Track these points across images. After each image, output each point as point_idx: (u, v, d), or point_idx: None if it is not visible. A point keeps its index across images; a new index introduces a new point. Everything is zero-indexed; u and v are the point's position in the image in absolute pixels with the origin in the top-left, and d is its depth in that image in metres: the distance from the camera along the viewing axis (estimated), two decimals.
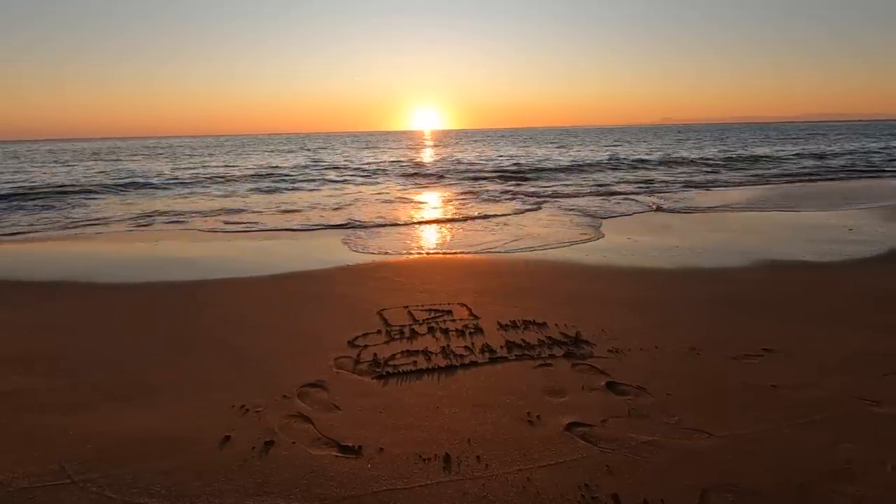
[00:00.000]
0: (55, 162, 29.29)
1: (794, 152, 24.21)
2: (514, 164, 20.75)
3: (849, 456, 2.20)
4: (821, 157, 21.87)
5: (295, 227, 8.44)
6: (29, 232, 8.51)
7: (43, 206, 11.61)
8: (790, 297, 4.32)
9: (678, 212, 9.47)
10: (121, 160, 30.05)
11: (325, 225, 8.64)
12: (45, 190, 14.28)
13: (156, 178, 17.73)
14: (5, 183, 16.47)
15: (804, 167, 17.94)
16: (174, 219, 9.62)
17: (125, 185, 15.67)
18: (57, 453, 2.30)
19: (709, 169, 18.17)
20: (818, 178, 15.08)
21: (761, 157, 22.12)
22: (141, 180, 17.01)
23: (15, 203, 11.90)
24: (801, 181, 14.40)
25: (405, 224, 8.75)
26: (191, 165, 24.58)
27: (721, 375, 2.95)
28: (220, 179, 17.54)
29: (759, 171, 16.97)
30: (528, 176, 16.83)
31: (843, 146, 28.22)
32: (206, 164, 24.83)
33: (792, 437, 2.35)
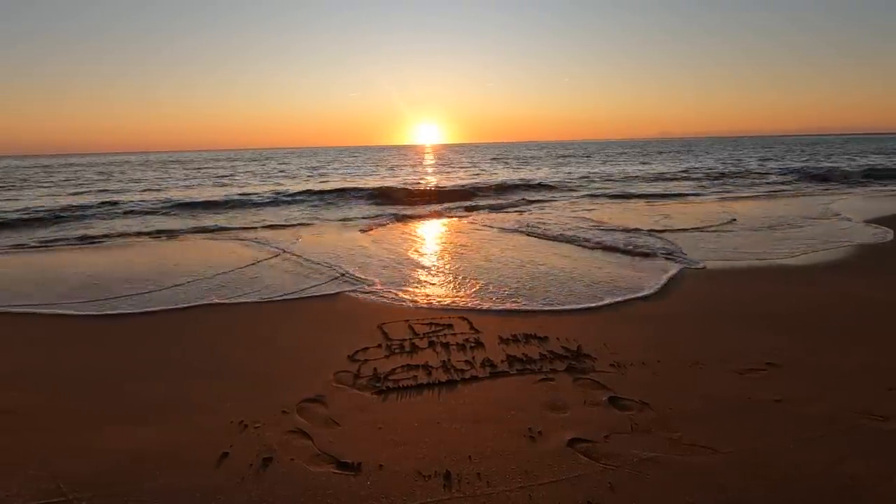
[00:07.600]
0: None
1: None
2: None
3: (854, 472, 2.17)
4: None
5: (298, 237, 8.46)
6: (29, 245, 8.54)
7: None
8: (793, 310, 4.29)
9: (672, 231, 9.46)
10: None
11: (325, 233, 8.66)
12: None
13: None
14: None
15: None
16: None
17: None
18: (54, 471, 2.28)
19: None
20: None
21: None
22: None
23: None
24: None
25: (409, 234, 8.75)
26: None
27: (725, 390, 2.92)
28: None
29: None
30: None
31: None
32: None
33: (796, 453, 2.32)
